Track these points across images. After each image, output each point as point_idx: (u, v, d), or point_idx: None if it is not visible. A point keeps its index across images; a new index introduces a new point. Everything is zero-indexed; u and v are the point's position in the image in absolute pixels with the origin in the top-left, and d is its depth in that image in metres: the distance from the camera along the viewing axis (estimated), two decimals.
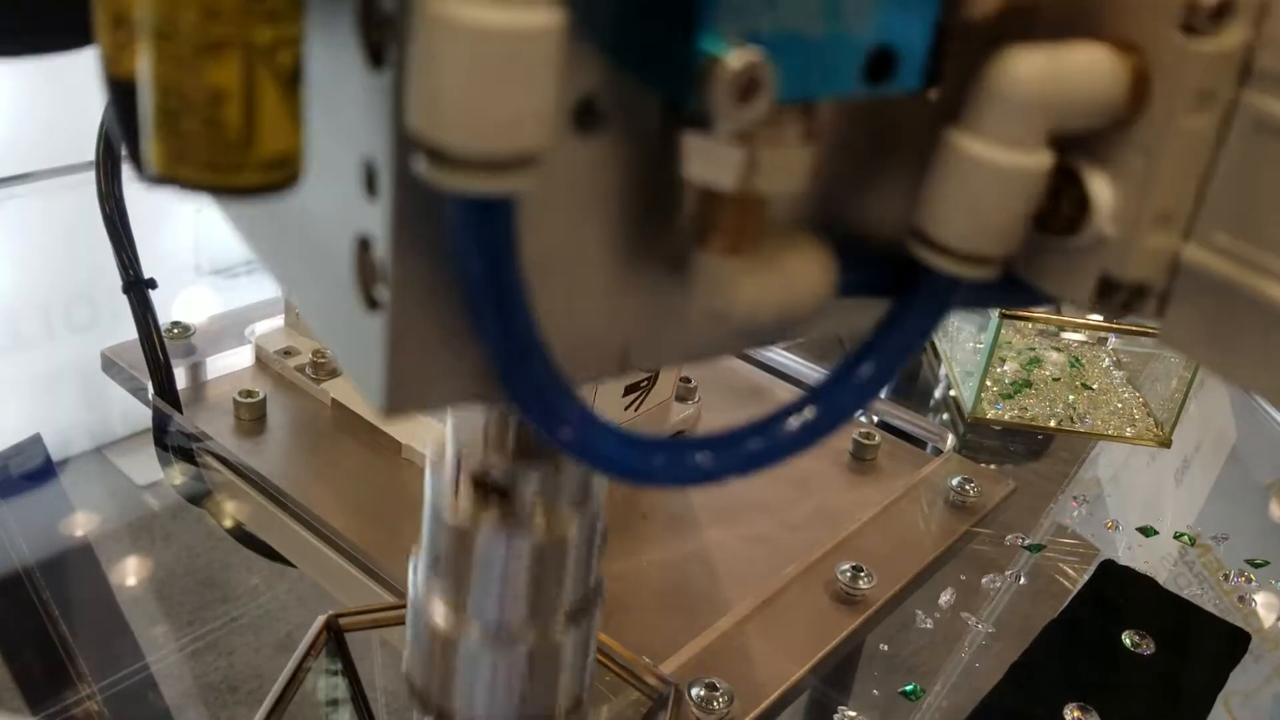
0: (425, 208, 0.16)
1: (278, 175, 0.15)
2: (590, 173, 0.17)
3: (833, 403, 0.20)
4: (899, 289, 0.19)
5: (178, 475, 0.60)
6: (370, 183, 0.17)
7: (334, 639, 0.38)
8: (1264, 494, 0.71)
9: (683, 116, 0.17)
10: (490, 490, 0.24)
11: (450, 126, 0.14)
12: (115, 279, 0.58)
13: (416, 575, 0.26)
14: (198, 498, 0.59)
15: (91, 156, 0.58)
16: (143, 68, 0.15)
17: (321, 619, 0.37)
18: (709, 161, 0.16)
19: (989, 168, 0.17)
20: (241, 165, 0.15)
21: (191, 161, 0.15)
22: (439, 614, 0.25)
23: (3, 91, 0.98)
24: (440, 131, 0.14)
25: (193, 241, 1.07)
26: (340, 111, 0.17)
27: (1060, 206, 0.19)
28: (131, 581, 0.75)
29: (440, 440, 0.25)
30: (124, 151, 0.18)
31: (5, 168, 0.97)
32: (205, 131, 0.15)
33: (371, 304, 0.17)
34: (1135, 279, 0.19)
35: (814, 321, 0.21)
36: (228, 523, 0.58)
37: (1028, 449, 0.67)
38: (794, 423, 0.19)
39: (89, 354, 0.66)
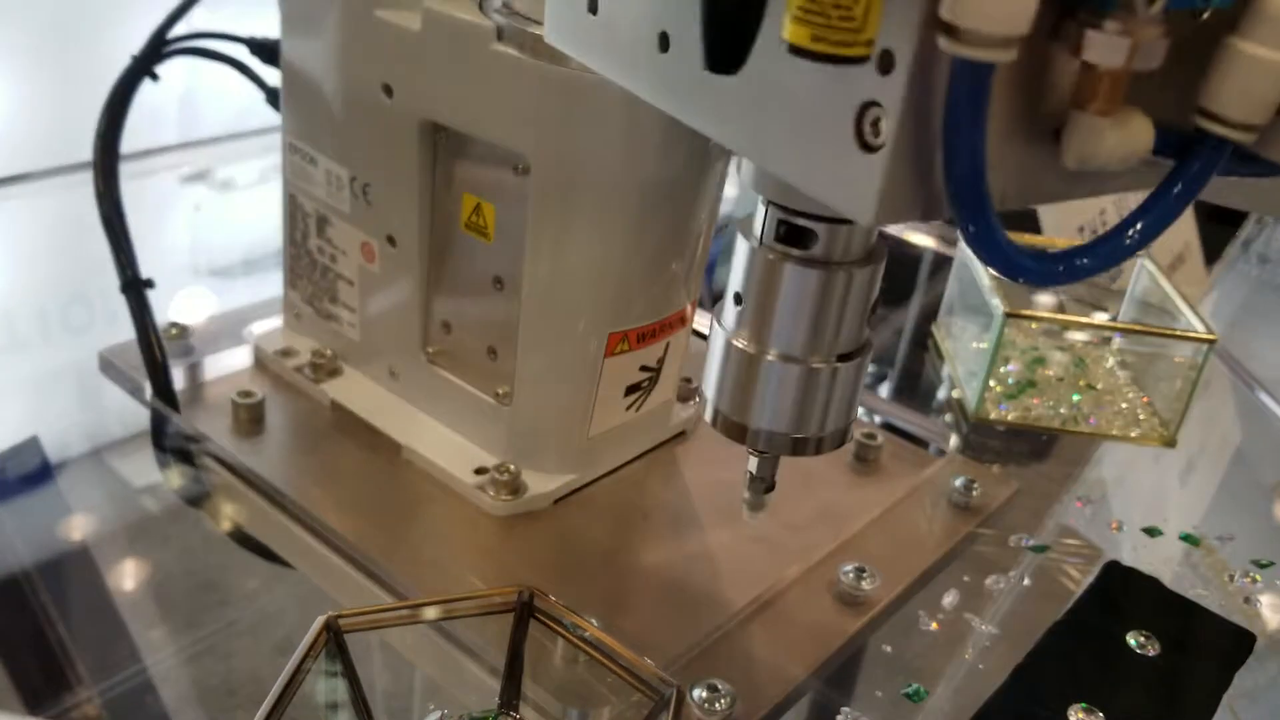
0: (922, 82, 0.24)
1: (867, 51, 0.24)
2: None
3: (1154, 215, 0.27)
4: (1183, 154, 0.26)
5: (176, 476, 0.59)
6: (886, 64, 0.24)
7: (333, 640, 0.37)
8: (1269, 494, 0.71)
9: (1081, 18, 0.24)
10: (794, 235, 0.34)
11: (970, 15, 0.22)
12: (112, 280, 0.58)
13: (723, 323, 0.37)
14: (196, 499, 0.59)
15: (86, 157, 0.58)
16: None
17: (321, 620, 0.37)
18: (1103, 48, 0.24)
19: (1260, 62, 0.24)
20: (854, 43, 0.23)
21: (825, 40, 0.23)
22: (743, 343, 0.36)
23: None
24: (963, 18, 0.22)
25: (190, 242, 1.06)
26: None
27: None
28: (129, 584, 0.75)
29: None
30: (706, 47, 0.28)
31: (2, 168, 0.97)
32: (839, 19, 0.23)
33: (868, 149, 0.25)
34: None
35: (1125, 178, 0.28)
36: (226, 524, 0.57)
37: (1031, 450, 0.67)
38: (1131, 233, 0.27)
39: (86, 356, 0.66)
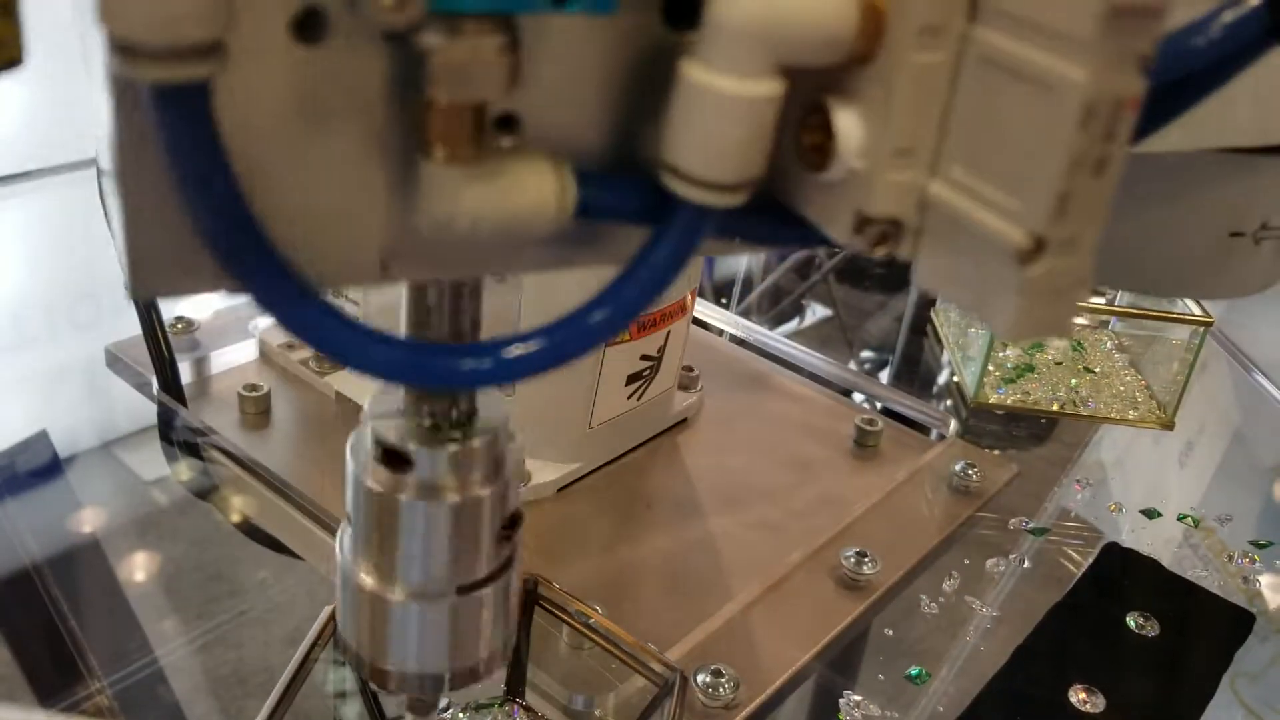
0: (134, 108, 0.18)
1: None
2: (321, 84, 0.18)
3: (579, 327, 0.20)
4: (660, 218, 0.20)
5: (184, 470, 0.60)
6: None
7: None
8: (1268, 476, 0.71)
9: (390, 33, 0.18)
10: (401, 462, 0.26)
11: (131, 23, 0.16)
12: (118, 276, 0.58)
13: (343, 545, 0.28)
14: (204, 492, 0.59)
15: (91, 153, 0.58)
16: None
17: (328, 609, 0.37)
18: (413, 68, 0.18)
19: (715, 95, 0.18)
20: None
21: None
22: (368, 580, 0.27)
23: (2, 89, 0.98)
24: (125, 28, 0.16)
25: None
26: None
27: (813, 141, 0.19)
28: (139, 577, 0.76)
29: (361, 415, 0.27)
30: None
31: (6, 165, 0.98)
32: None
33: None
34: (885, 214, 0.19)
35: (587, 246, 0.22)
36: (235, 516, 0.58)
37: (1031, 434, 0.67)
38: (526, 347, 0.20)
39: (93, 351, 0.67)
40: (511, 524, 0.28)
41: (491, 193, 0.19)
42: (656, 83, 0.20)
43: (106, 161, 0.19)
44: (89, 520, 0.75)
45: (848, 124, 0.19)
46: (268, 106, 0.18)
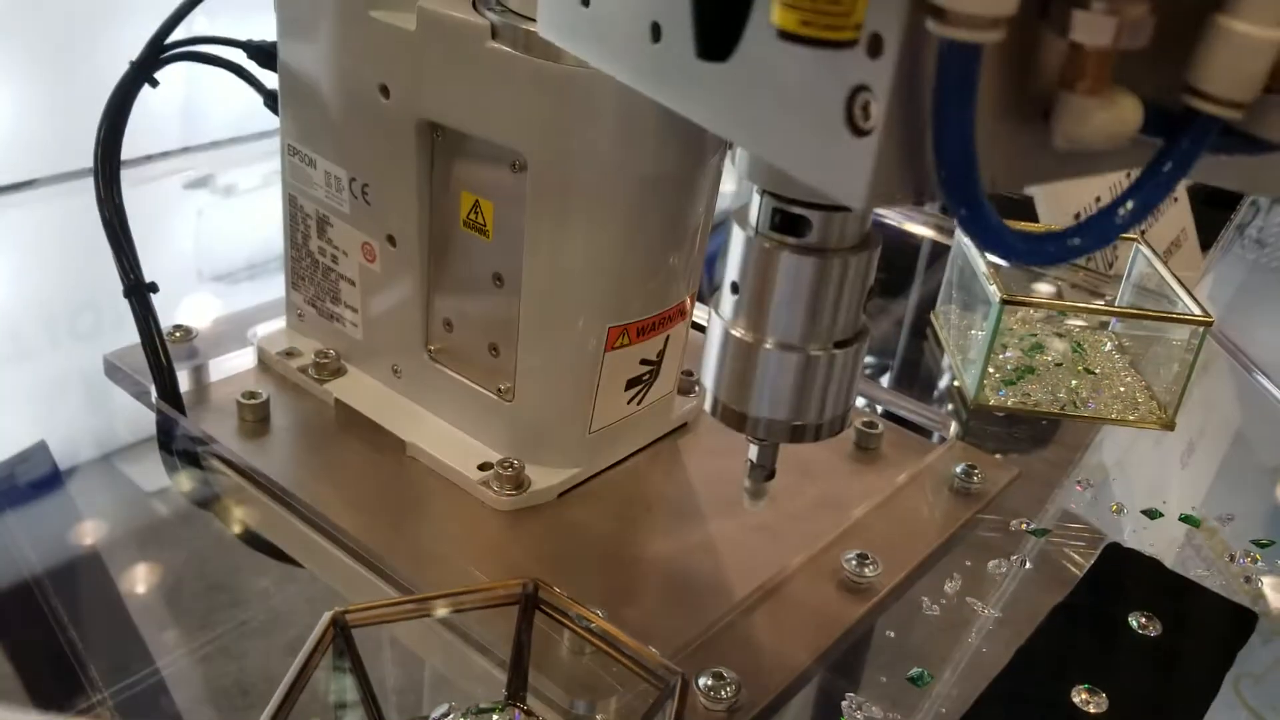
0: (911, 65, 0.24)
1: (856, 34, 0.24)
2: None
3: (1144, 193, 0.27)
4: (1172, 133, 0.26)
5: (184, 479, 0.60)
6: (875, 47, 0.24)
7: (341, 636, 0.38)
8: (1269, 476, 0.71)
9: None
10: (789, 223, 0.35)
11: None
12: (117, 285, 0.58)
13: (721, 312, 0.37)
14: (204, 501, 0.59)
15: (90, 163, 0.58)
16: None
17: (327, 616, 0.37)
18: (1090, 27, 0.24)
19: (1246, 38, 0.24)
20: (843, 27, 0.24)
21: (813, 24, 0.24)
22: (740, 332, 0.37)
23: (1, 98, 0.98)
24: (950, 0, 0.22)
25: (194, 248, 1.07)
26: None
27: None
28: (140, 588, 0.75)
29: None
30: (696, 36, 0.28)
31: (5, 175, 0.98)
32: (827, 4, 0.23)
33: (859, 133, 0.25)
34: None
35: (1115, 157, 0.28)
36: (234, 525, 0.58)
37: (1032, 436, 0.67)
38: (1122, 212, 0.27)
39: (93, 361, 0.66)
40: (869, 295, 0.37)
41: (1111, 116, 0.25)
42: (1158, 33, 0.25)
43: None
44: (89, 531, 0.75)
45: None
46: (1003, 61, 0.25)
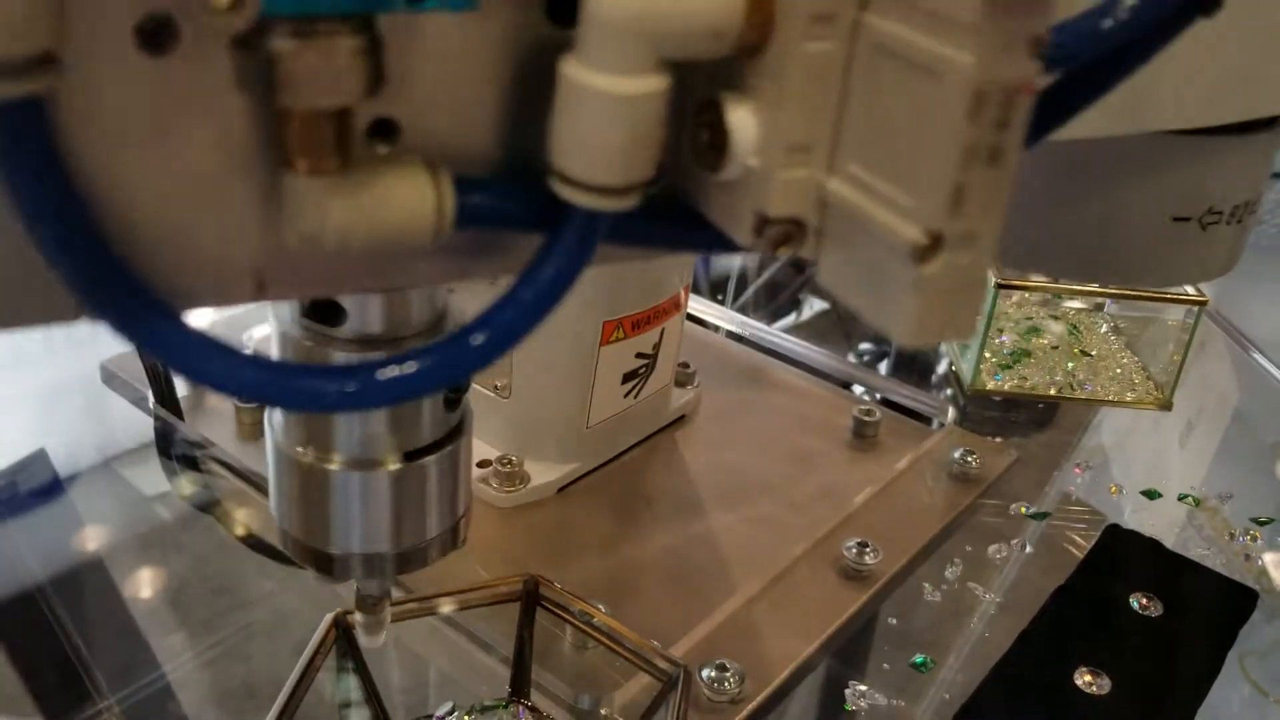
0: None
1: None
2: (174, 94, 0.17)
3: (500, 323, 0.19)
4: (554, 225, 0.19)
5: (185, 484, 0.60)
6: None
7: (343, 636, 0.38)
8: (1268, 454, 0.71)
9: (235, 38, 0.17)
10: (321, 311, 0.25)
11: None
12: None
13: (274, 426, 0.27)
14: (204, 504, 0.59)
15: None
16: None
17: (329, 617, 0.37)
18: (264, 74, 0.17)
19: (594, 94, 0.17)
20: None
21: None
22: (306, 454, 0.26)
23: None
24: None
25: None
26: None
27: (707, 139, 0.19)
28: (145, 593, 0.76)
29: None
30: None
31: None
32: None
33: None
34: (785, 213, 0.18)
35: (469, 259, 0.21)
36: (236, 528, 0.58)
37: (1030, 420, 0.67)
38: (407, 367, 0.19)
39: (91, 367, 0.66)
40: (457, 390, 0.27)
41: (360, 205, 0.18)
42: (545, 83, 0.18)
43: None
44: (92, 537, 0.75)
45: (741, 120, 0.18)
46: (117, 120, 0.17)
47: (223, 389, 0.19)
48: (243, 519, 0.58)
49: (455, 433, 0.28)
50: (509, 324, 0.19)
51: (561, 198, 0.18)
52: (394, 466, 0.26)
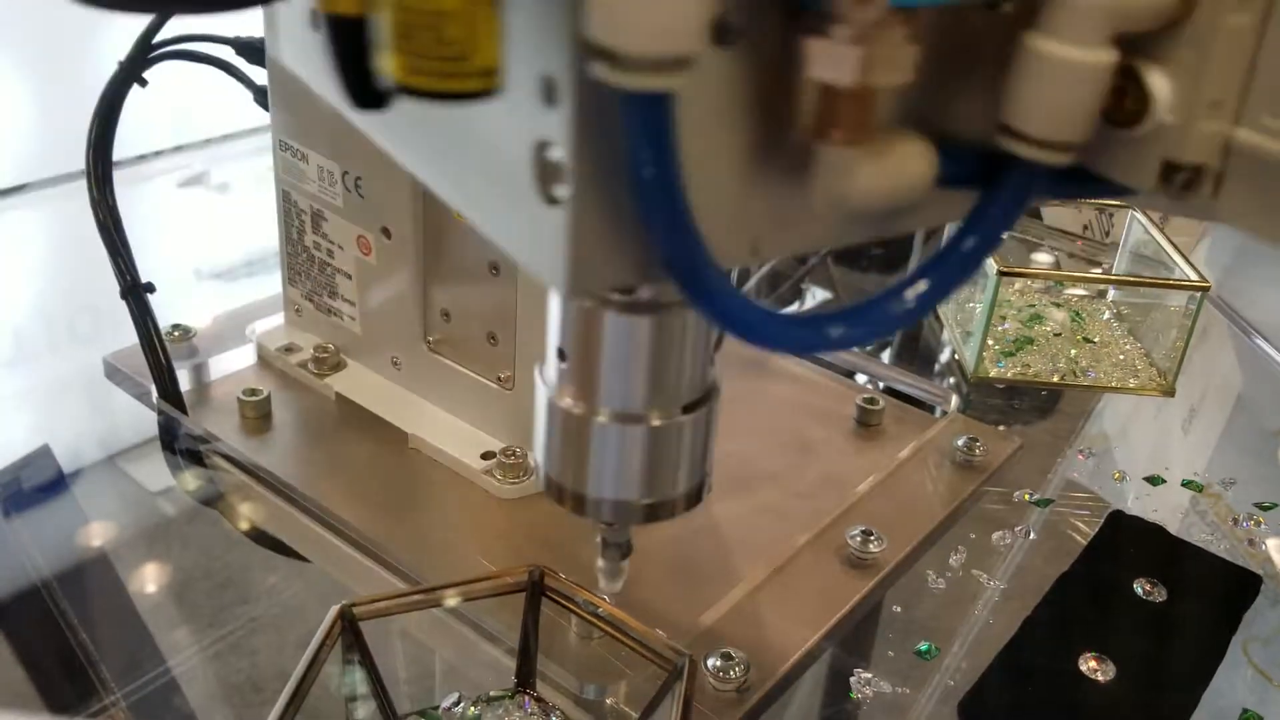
0: (597, 113, 0.20)
1: (487, 83, 0.19)
2: (728, 82, 0.20)
3: (942, 274, 0.23)
4: (992, 180, 0.22)
5: (188, 479, 0.60)
6: (549, 94, 0.20)
7: (349, 629, 0.38)
8: (1272, 440, 0.71)
9: (804, 23, 0.20)
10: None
11: (624, 34, 0.18)
12: (114, 287, 0.58)
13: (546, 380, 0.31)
14: (209, 499, 0.59)
15: (79, 166, 0.58)
16: None
17: (335, 609, 0.37)
18: (829, 61, 0.19)
19: (1063, 64, 0.20)
20: (462, 74, 0.19)
21: (422, 72, 0.19)
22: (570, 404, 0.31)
23: None
24: (616, 38, 0.18)
25: (191, 246, 1.07)
26: (520, 32, 0.20)
27: (1125, 102, 0.22)
28: (150, 588, 0.76)
29: None
30: (341, 84, 0.21)
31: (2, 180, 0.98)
32: (436, 44, 0.18)
33: (551, 200, 0.21)
34: (1193, 161, 0.22)
35: (920, 212, 0.24)
36: (239, 521, 0.58)
37: (1033, 408, 0.67)
38: (910, 295, 0.23)
39: (94, 363, 0.66)
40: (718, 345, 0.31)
41: (882, 169, 0.21)
42: (962, 58, 0.22)
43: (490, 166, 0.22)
44: (96, 533, 0.76)
45: (1160, 84, 0.21)
46: (698, 109, 0.20)
47: (773, 344, 0.22)
48: (246, 513, 0.58)
49: (709, 396, 0.31)
50: (941, 281, 0.22)
51: (1014, 152, 0.21)
52: (656, 423, 0.30)
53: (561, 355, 0.30)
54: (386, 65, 0.19)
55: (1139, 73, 0.21)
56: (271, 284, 0.68)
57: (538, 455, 0.33)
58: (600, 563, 0.38)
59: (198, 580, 0.89)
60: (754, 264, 0.23)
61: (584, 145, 0.20)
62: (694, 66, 0.18)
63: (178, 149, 1.12)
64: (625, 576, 0.38)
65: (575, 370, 0.30)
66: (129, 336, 0.59)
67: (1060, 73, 0.20)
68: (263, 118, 0.60)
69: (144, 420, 0.63)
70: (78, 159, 0.59)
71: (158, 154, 1.11)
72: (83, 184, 0.58)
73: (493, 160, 0.22)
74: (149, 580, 0.79)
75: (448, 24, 0.18)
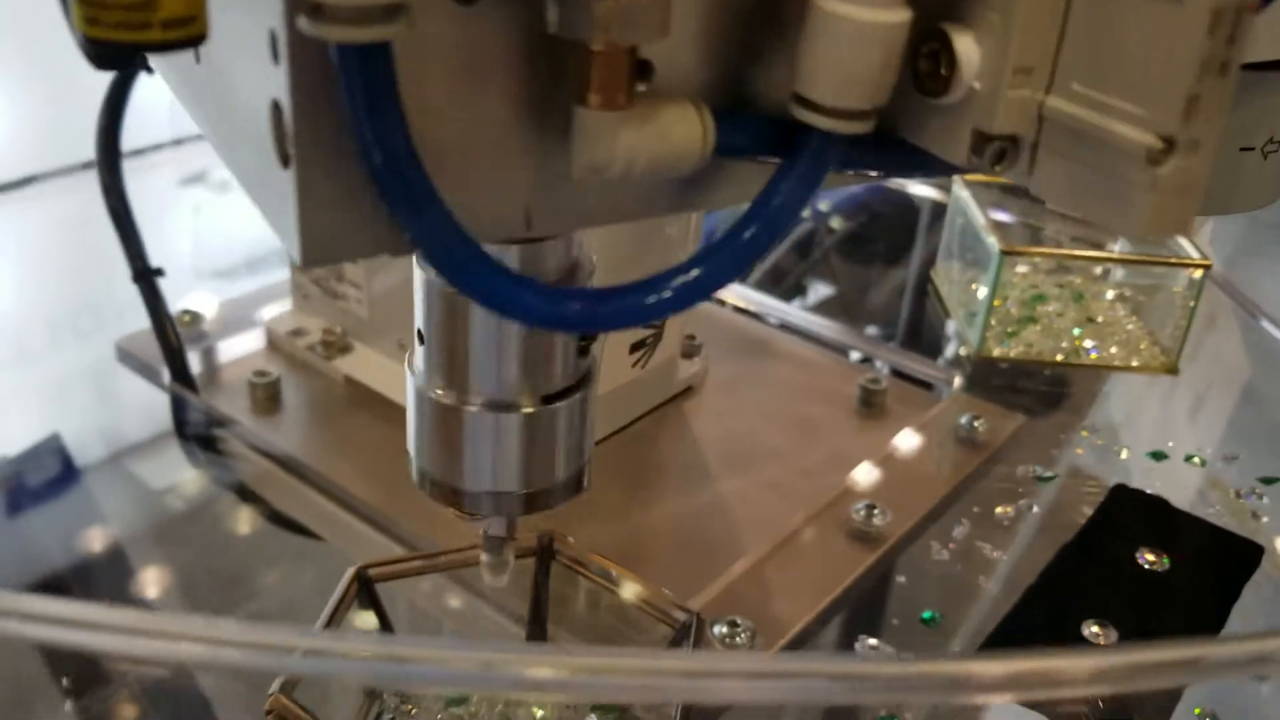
0: (319, 69, 0.18)
1: (181, 33, 0.18)
2: (476, 42, 0.19)
3: (718, 262, 0.21)
4: (787, 150, 0.21)
5: (199, 460, 0.60)
6: (274, 49, 0.19)
7: (365, 590, 0.38)
8: (1278, 427, 0.71)
9: None
10: None
11: None
12: (117, 283, 0.58)
13: (413, 367, 0.30)
14: (221, 480, 0.60)
15: (81, 157, 0.59)
16: None
17: (351, 570, 0.38)
18: (572, 15, 0.18)
19: (851, 24, 0.19)
20: (147, 24, 0.17)
21: (100, 23, 0.17)
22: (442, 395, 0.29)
23: None
24: None
25: (192, 244, 1.08)
26: None
27: (933, 68, 0.21)
28: (155, 583, 0.76)
29: None
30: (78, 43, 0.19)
31: (2, 173, 0.98)
32: None
33: (285, 161, 0.19)
34: (1003, 131, 0.21)
35: (716, 187, 0.23)
36: (253, 502, 0.59)
37: (1038, 391, 0.68)
38: (679, 281, 0.21)
39: (96, 359, 0.67)
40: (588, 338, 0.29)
41: (644, 135, 0.20)
42: (764, 21, 0.21)
43: (254, 132, 0.20)
44: (105, 525, 0.76)
45: (967, 48, 0.20)
46: (431, 66, 0.19)
47: (517, 315, 0.21)
48: (259, 492, 0.58)
49: (585, 380, 0.29)
50: (756, 237, 0.21)
51: (805, 122, 0.20)
52: (528, 410, 0.28)
53: (421, 338, 0.29)
54: (74, 18, 0.18)
55: (948, 37, 0.20)
56: (273, 282, 0.69)
57: (409, 446, 0.32)
58: (484, 556, 0.36)
59: (202, 576, 0.89)
60: (528, 235, 0.22)
61: (304, 103, 0.19)
62: (409, 17, 0.17)
63: (176, 143, 1.13)
64: (510, 569, 0.36)
65: (437, 357, 0.29)
66: (133, 328, 0.60)
67: (848, 32, 0.19)
68: None
69: (147, 417, 0.64)
70: (74, 153, 0.59)
71: (156, 148, 1.11)
72: (81, 179, 0.59)
73: (248, 121, 0.21)
74: (154, 576, 0.80)
75: None
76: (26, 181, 1.00)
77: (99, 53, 0.18)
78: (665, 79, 0.21)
